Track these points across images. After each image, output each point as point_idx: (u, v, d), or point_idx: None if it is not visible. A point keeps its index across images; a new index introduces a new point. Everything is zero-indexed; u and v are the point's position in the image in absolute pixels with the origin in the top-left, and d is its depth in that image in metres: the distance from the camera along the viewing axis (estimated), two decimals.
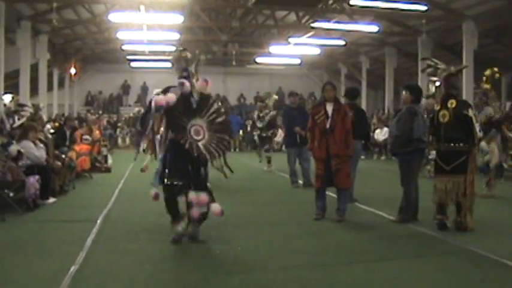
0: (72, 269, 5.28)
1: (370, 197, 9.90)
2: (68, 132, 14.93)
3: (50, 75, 25.32)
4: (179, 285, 5.06)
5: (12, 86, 19.68)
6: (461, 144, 7.05)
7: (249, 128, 16.06)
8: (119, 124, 29.71)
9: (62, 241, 6.59)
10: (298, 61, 29.91)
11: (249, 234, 7.20)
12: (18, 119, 11.79)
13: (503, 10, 17.79)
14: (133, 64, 30.43)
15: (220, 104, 6.89)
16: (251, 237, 6.96)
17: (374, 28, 20.96)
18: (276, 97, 16.38)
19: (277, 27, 24.83)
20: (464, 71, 8.45)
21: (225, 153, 6.89)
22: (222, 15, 24.13)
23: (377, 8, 18.05)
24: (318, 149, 7.96)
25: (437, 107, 7.37)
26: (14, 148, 8.95)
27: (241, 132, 26.28)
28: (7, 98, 16.32)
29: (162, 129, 6.74)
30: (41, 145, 9.88)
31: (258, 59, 29.31)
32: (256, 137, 16.25)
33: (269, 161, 15.44)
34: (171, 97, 6.33)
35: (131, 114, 30.21)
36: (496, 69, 10.31)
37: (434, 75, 7.57)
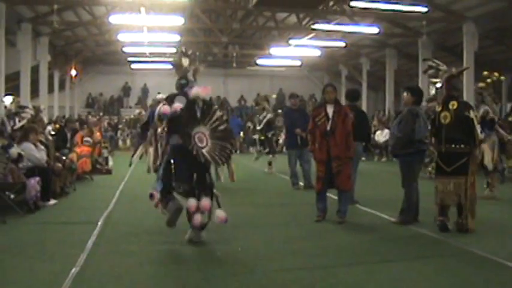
0: (73, 271, 5.28)
1: (371, 199, 9.90)
2: (68, 134, 14.95)
3: (50, 77, 25.34)
4: (180, 286, 5.05)
5: (12, 88, 19.71)
6: (462, 146, 7.05)
7: (251, 128, 16.04)
8: (120, 126, 29.71)
9: (63, 243, 6.59)
10: (298, 63, 29.92)
11: (249, 235, 7.20)
12: (19, 121, 11.81)
13: (504, 11, 17.79)
14: (134, 66, 30.45)
15: (221, 112, 6.88)
16: (251, 238, 6.96)
17: (374, 30, 20.97)
18: (274, 96, 16.32)
19: (278, 28, 24.84)
20: (464, 72, 8.45)
21: (228, 160, 6.91)
22: (223, 16, 24.15)
23: (377, 9, 18.07)
24: (319, 151, 7.95)
25: (438, 109, 7.37)
26: (14, 151, 8.97)
27: (241, 134, 26.30)
28: (8, 100, 16.34)
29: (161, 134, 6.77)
30: (42, 147, 9.89)
31: (259, 61, 29.32)
32: (257, 140, 16.25)
33: (270, 163, 15.42)
34: (178, 106, 6.35)
35: (132, 116, 30.16)
36: (496, 73, 10.30)
37: (436, 77, 7.57)
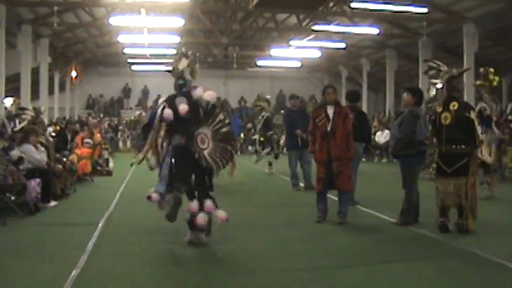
0: (74, 272, 5.28)
1: (372, 200, 9.90)
2: (69, 136, 14.95)
3: (51, 79, 25.35)
4: (180, 287, 5.06)
5: (13, 90, 19.74)
6: (463, 147, 7.05)
7: (252, 131, 16.00)
8: (120, 127, 29.74)
9: (64, 244, 6.59)
10: (299, 64, 29.93)
11: (249, 235, 7.21)
12: (19, 123, 11.83)
13: (504, 12, 17.79)
14: (134, 67, 30.47)
15: (224, 115, 6.87)
16: (252, 239, 6.97)
17: (375, 30, 20.99)
18: (268, 97, 16.34)
19: (278, 30, 24.85)
20: (465, 73, 8.43)
21: (228, 163, 6.91)
22: (223, 18, 24.16)
23: (377, 10, 18.08)
24: (319, 152, 7.96)
25: (439, 109, 7.37)
26: (15, 153, 8.98)
27: (242, 135, 26.31)
28: (8, 102, 16.38)
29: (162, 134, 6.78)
30: (42, 148, 9.89)
31: (259, 62, 29.33)
32: (256, 140, 16.21)
33: (270, 164, 15.41)
34: (185, 108, 6.34)
35: (132, 118, 30.22)
36: (491, 69, 10.28)
37: (437, 78, 7.58)
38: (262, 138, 15.37)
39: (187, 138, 6.40)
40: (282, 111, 16.43)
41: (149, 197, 6.52)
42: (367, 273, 5.44)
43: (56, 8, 18.72)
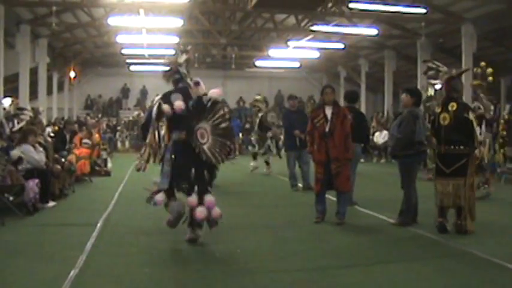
0: (72, 272, 5.28)
1: (370, 200, 9.91)
2: (67, 136, 14.94)
3: (49, 79, 25.28)
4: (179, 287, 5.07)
5: (11, 90, 19.68)
6: (461, 147, 7.05)
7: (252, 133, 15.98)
8: (119, 128, 29.72)
9: (62, 245, 6.59)
10: (297, 64, 29.92)
11: (248, 236, 7.21)
12: (18, 123, 11.80)
13: (502, 13, 17.78)
14: (132, 68, 30.44)
15: (226, 109, 6.86)
16: (251, 240, 6.97)
17: (373, 31, 20.99)
18: (258, 97, 16.36)
19: (277, 30, 24.82)
20: (464, 74, 8.44)
21: (228, 157, 6.91)
22: (221, 18, 24.12)
23: (376, 11, 18.07)
24: (318, 153, 7.96)
25: (438, 110, 7.37)
26: (15, 153, 8.98)
27: (240, 135, 26.30)
28: (7, 102, 16.34)
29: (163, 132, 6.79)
30: (41, 149, 9.88)
31: (258, 62, 29.31)
32: (253, 140, 16.24)
33: (267, 163, 15.40)
34: (181, 104, 6.38)
35: (131, 118, 30.20)
36: (483, 63, 10.27)
37: (436, 78, 7.58)
38: (257, 137, 15.46)
39: (187, 133, 6.42)
40: (274, 111, 16.33)
41: (155, 203, 6.55)
42: (366, 273, 5.44)
43: (54, 8, 18.68)
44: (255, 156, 15.54)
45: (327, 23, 20.55)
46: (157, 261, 5.88)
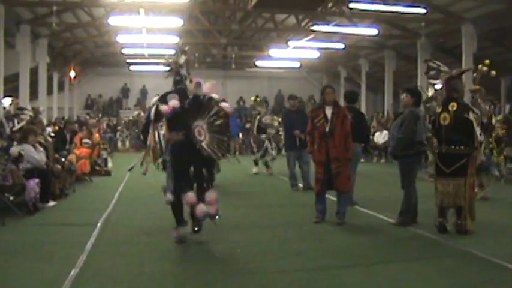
0: (73, 272, 5.29)
1: (370, 200, 9.91)
2: (67, 136, 14.94)
3: (49, 79, 25.29)
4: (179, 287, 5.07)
5: (11, 90, 19.69)
6: (461, 147, 7.05)
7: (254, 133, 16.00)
8: (119, 127, 29.70)
9: (62, 244, 6.59)
10: (297, 64, 29.92)
11: (248, 236, 7.21)
12: (18, 123, 11.79)
13: (502, 13, 17.79)
14: (132, 67, 30.43)
15: (220, 106, 6.91)
16: (251, 240, 6.97)
17: (373, 31, 20.99)
18: (252, 99, 16.41)
19: (277, 30, 24.82)
20: (464, 74, 8.43)
21: (226, 153, 6.95)
22: (222, 18, 24.12)
23: (376, 11, 18.07)
24: (318, 153, 7.96)
25: (438, 110, 7.37)
26: (15, 149, 8.97)
27: (240, 135, 26.29)
28: (7, 102, 16.34)
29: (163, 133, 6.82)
30: (41, 149, 9.88)
31: (258, 62, 29.30)
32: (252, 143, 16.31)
33: (267, 166, 15.37)
34: (175, 103, 6.42)
35: (131, 118, 30.19)
36: (487, 61, 10.25)
37: (437, 78, 7.58)
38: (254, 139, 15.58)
39: (186, 131, 6.45)
40: (269, 114, 16.31)
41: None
42: (366, 273, 5.45)
43: (54, 8, 18.70)
44: (256, 162, 15.49)
45: (327, 23, 20.54)
46: (157, 261, 5.88)
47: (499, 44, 21.95)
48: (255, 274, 5.39)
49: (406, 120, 7.69)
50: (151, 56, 26.12)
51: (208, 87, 6.75)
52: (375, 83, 31.00)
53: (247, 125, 26.16)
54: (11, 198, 8.38)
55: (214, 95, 6.78)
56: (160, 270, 5.52)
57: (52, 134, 14.70)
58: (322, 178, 7.91)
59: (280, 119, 16.29)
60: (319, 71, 34.92)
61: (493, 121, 10.83)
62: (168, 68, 7.12)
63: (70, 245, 6.53)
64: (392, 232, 7.42)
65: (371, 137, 20.54)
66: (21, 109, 13.55)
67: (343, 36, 23.01)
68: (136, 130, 27.61)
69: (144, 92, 34.37)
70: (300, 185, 11.95)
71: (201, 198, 6.49)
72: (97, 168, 14.95)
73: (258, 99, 18.12)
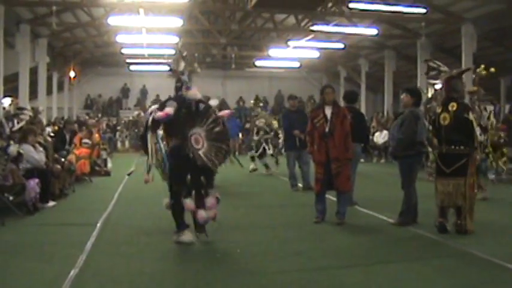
0: (72, 272, 5.28)
1: (370, 200, 9.91)
2: (67, 136, 14.94)
3: (49, 79, 25.28)
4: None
5: (11, 90, 19.69)
6: (461, 147, 7.05)
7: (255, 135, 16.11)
8: (119, 127, 29.70)
9: (62, 244, 6.59)
10: (297, 64, 29.90)
11: (248, 237, 7.20)
12: (18, 123, 11.78)
13: (502, 13, 17.80)
14: (132, 67, 30.41)
15: (217, 113, 6.96)
16: (251, 240, 6.96)
17: (373, 31, 20.98)
18: (252, 102, 16.61)
19: (277, 30, 24.82)
20: (464, 74, 8.43)
21: (225, 160, 6.96)
22: (221, 18, 24.12)
23: (376, 11, 18.06)
24: (318, 153, 7.95)
25: (438, 110, 7.37)
26: (13, 149, 8.95)
27: (240, 135, 26.28)
28: (6, 102, 16.33)
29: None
30: (41, 149, 9.89)
31: (257, 62, 29.28)
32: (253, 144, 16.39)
33: (266, 166, 15.41)
34: (169, 110, 6.46)
35: (131, 118, 30.19)
36: (483, 66, 10.25)
37: (437, 79, 7.58)
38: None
39: (181, 139, 6.45)
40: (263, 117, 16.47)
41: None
42: (366, 273, 5.44)
43: (54, 8, 18.69)
44: (253, 159, 15.60)
45: (327, 23, 20.54)
46: (157, 261, 5.87)
47: (499, 44, 21.95)
48: (255, 274, 5.39)
49: (406, 121, 7.68)
50: (151, 56, 26.11)
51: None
52: (375, 83, 31.00)
53: (247, 125, 26.22)
54: (11, 198, 8.37)
55: (211, 102, 6.83)
56: (160, 270, 5.52)
57: (52, 134, 14.70)
58: (322, 178, 7.91)
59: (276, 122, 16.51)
60: (319, 71, 34.93)
61: (489, 124, 10.80)
62: (168, 68, 7.11)
63: (70, 245, 6.53)
64: (393, 232, 7.42)
65: (371, 137, 20.55)
66: (21, 109, 13.54)
67: (343, 36, 23.01)
68: (136, 130, 27.65)
69: (144, 92, 34.38)
70: (300, 185, 11.95)
71: (200, 205, 6.52)
72: (97, 168, 14.96)
73: (257, 102, 18.25)
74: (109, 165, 15.93)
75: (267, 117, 16.64)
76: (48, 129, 16.40)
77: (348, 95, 10.01)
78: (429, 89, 9.50)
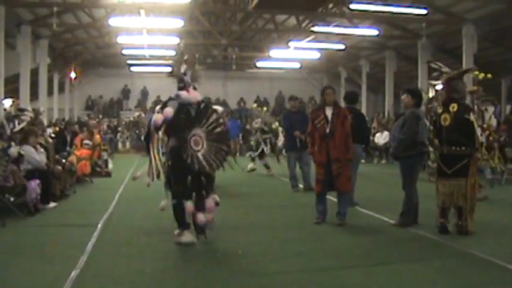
0: (73, 273, 5.28)
1: (371, 201, 9.90)
2: (68, 137, 14.95)
3: (50, 80, 25.31)
4: None
5: (12, 91, 19.73)
6: (462, 148, 7.05)
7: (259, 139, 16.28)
8: (119, 128, 29.72)
9: (63, 245, 6.59)
10: (298, 65, 29.90)
11: (249, 237, 7.20)
12: (19, 124, 11.81)
13: (503, 13, 17.80)
14: (133, 68, 30.41)
15: (219, 112, 6.97)
16: (251, 240, 6.96)
17: (374, 32, 20.98)
18: (254, 105, 16.83)
19: (277, 31, 24.84)
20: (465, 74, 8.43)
21: (224, 162, 6.95)
22: (222, 19, 24.15)
23: (377, 12, 18.06)
24: (318, 154, 7.95)
25: (439, 110, 7.37)
26: (14, 150, 8.96)
27: (241, 136, 26.30)
28: (7, 103, 16.38)
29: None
30: (42, 150, 9.89)
31: (258, 63, 29.29)
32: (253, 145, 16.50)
33: (267, 166, 15.43)
34: (169, 111, 6.46)
35: (131, 119, 30.21)
36: (476, 73, 10.25)
37: (439, 79, 7.58)
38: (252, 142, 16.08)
39: (180, 141, 6.46)
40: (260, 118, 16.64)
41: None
42: (367, 274, 5.44)
43: (55, 9, 18.69)
44: (253, 159, 15.71)
45: (328, 24, 20.52)
46: (158, 262, 5.88)
47: (500, 44, 21.94)
48: (255, 274, 5.39)
49: (407, 121, 7.68)
50: (152, 57, 26.11)
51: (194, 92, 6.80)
52: (376, 83, 31.01)
53: (248, 126, 26.25)
54: (12, 199, 8.37)
55: (218, 110, 6.87)
56: (161, 271, 5.52)
57: (53, 135, 14.73)
58: (322, 179, 7.90)
59: (276, 124, 16.60)
60: (319, 72, 34.92)
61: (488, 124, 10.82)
62: (169, 69, 7.13)
63: (71, 246, 6.53)
64: (393, 233, 7.41)
65: (371, 137, 20.55)
66: (22, 110, 13.58)
67: (343, 37, 22.99)
68: (137, 131, 27.68)
69: (144, 93, 34.42)
70: (301, 185, 11.95)
71: (200, 207, 6.54)
72: (98, 169, 14.96)
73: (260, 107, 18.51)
74: (110, 166, 15.94)
75: (263, 117, 16.72)
76: (49, 130, 16.43)
77: (348, 96, 10.00)
78: (430, 90, 9.51)
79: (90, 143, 14.61)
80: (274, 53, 25.81)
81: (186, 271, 5.60)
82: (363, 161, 13.40)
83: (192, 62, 7.04)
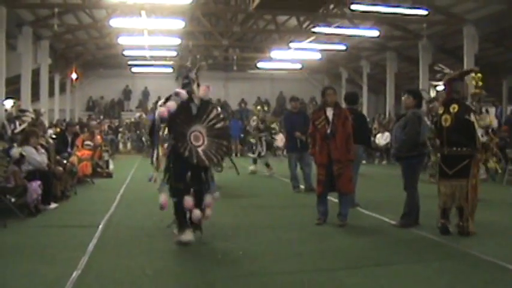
0: (74, 274, 5.29)
1: (372, 202, 9.90)
2: (69, 138, 14.95)
3: (51, 81, 25.34)
4: None
5: (13, 92, 19.73)
6: (463, 149, 7.04)
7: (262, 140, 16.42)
8: (120, 129, 29.73)
9: (64, 246, 6.59)
10: (299, 66, 29.91)
11: (250, 238, 7.19)
12: (20, 125, 11.83)
13: (504, 14, 17.80)
14: (134, 69, 30.47)
15: (219, 109, 7.01)
16: (252, 241, 6.96)
17: (375, 33, 20.99)
18: (254, 106, 16.99)
19: (278, 32, 24.84)
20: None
21: (225, 157, 6.98)
22: (223, 20, 24.16)
23: (378, 12, 18.07)
24: (319, 154, 7.95)
25: (440, 111, 7.37)
26: (16, 151, 8.97)
27: (242, 136, 26.31)
28: (8, 104, 16.40)
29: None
30: (43, 150, 9.89)
31: (259, 64, 29.33)
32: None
33: (268, 165, 15.47)
34: (171, 105, 6.51)
35: (132, 119, 30.22)
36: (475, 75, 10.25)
37: (440, 80, 7.59)
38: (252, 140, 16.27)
39: (178, 136, 6.47)
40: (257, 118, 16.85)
41: (162, 207, 6.76)
42: (368, 275, 5.44)
43: (56, 10, 18.73)
44: (255, 161, 15.81)
45: (329, 25, 20.57)
46: (159, 263, 5.87)
47: (500, 45, 21.94)
48: (255, 275, 5.40)
49: (409, 122, 7.68)
50: (152, 57, 26.14)
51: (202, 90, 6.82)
52: (377, 84, 31.02)
53: (248, 127, 26.28)
54: (13, 200, 8.38)
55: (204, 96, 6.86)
56: (161, 272, 5.52)
57: (54, 136, 14.72)
58: (324, 180, 7.90)
59: (274, 124, 16.67)
60: (320, 73, 34.93)
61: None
62: (171, 70, 7.16)
63: (72, 247, 6.53)
64: (394, 234, 7.41)
65: (372, 138, 20.54)
66: (23, 111, 13.61)
67: (344, 38, 23.02)
68: (138, 132, 27.68)
69: (145, 94, 34.43)
70: (302, 186, 11.95)
71: (198, 203, 6.56)
72: (99, 170, 14.95)
73: (261, 107, 18.54)
74: (111, 166, 15.94)
75: (260, 115, 16.79)
76: (50, 131, 16.44)
77: (348, 97, 9.99)
78: (431, 90, 9.52)
79: (91, 143, 14.62)
80: (275, 53, 25.84)
81: (187, 271, 5.60)
82: (363, 161, 13.40)
83: (194, 62, 7.07)
